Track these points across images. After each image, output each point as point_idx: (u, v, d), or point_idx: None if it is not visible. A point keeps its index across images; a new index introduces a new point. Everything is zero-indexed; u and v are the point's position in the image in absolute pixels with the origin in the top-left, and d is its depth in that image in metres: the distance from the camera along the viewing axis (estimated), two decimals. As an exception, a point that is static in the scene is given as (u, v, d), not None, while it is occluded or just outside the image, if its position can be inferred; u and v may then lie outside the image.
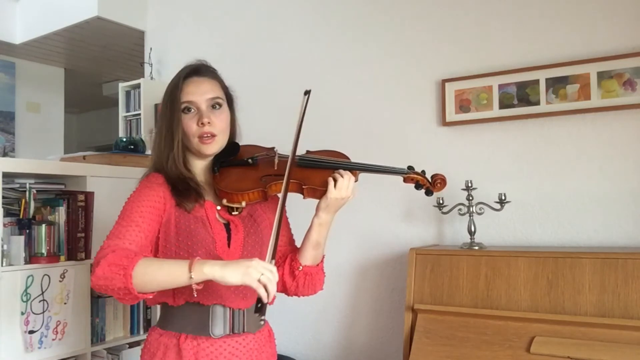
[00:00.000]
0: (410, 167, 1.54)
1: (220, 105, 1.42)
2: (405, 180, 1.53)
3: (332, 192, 1.38)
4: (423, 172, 1.55)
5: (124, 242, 1.26)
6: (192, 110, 1.39)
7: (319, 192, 1.40)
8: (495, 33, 2.32)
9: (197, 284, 1.18)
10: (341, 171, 1.40)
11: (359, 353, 2.59)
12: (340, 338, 2.65)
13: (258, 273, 1.14)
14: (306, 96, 1.41)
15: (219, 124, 1.40)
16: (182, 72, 1.43)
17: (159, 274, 1.19)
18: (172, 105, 1.38)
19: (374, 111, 2.61)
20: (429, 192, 1.54)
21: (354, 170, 1.44)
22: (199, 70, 1.44)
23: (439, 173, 1.55)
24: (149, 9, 3.69)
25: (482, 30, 2.35)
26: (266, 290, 1.14)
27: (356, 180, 1.42)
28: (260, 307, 1.17)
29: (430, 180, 1.54)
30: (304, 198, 1.43)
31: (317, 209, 1.43)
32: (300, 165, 1.44)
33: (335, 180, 1.38)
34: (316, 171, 1.43)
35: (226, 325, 1.37)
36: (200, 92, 1.40)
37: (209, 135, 1.38)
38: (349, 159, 1.51)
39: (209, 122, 1.37)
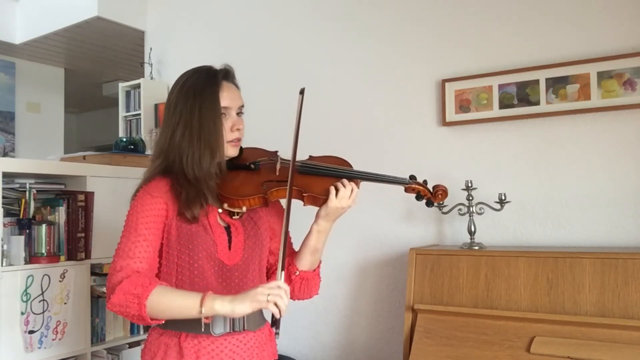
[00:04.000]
0: (412, 177, 1.53)
1: (242, 112, 1.46)
2: (406, 190, 1.53)
3: (333, 201, 1.38)
4: (425, 182, 1.55)
5: (135, 262, 1.28)
6: (225, 115, 1.40)
7: (320, 200, 1.40)
8: (495, 33, 2.32)
9: (206, 317, 1.23)
10: (344, 180, 1.40)
11: (359, 353, 2.59)
12: (340, 338, 2.65)
13: (265, 295, 1.18)
14: (301, 95, 1.41)
15: (243, 130, 1.44)
16: (214, 73, 1.41)
17: (171, 306, 1.23)
18: (210, 108, 1.36)
19: (374, 111, 2.61)
20: (429, 203, 1.55)
21: (356, 179, 1.43)
22: (230, 75, 1.45)
23: (440, 184, 1.55)
24: (149, 9, 3.69)
25: (482, 30, 2.35)
26: (277, 305, 1.18)
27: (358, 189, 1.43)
28: (274, 321, 1.22)
29: (431, 191, 1.54)
30: (304, 205, 1.43)
31: (317, 216, 1.44)
32: (302, 172, 1.43)
33: (337, 190, 1.38)
34: (318, 179, 1.42)
35: (226, 324, 1.37)
36: (235, 98, 1.42)
37: (237, 140, 1.42)
38: (351, 166, 1.50)
39: (240, 129, 1.42)
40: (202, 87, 1.38)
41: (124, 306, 1.22)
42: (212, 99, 1.37)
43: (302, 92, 1.41)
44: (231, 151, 1.42)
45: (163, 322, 1.28)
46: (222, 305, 1.19)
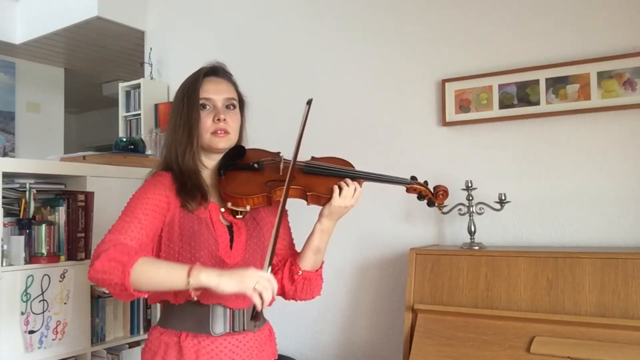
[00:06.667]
0: (413, 178, 1.56)
1: (234, 106, 1.47)
2: (408, 191, 1.56)
3: (337, 200, 1.39)
4: (426, 182, 1.58)
5: (125, 237, 1.27)
6: (208, 107, 1.43)
7: (323, 199, 1.41)
8: (495, 33, 2.32)
9: (195, 289, 1.19)
10: (347, 180, 1.42)
11: (359, 353, 2.59)
12: (340, 338, 2.65)
13: (253, 281, 1.17)
14: (308, 105, 1.42)
15: (232, 123, 1.44)
16: (201, 70, 1.46)
17: (156, 275, 1.20)
18: (190, 101, 1.41)
19: (374, 111, 2.61)
20: (431, 203, 1.58)
21: (358, 179, 1.45)
22: (217, 71, 1.48)
23: (441, 185, 1.58)
24: (149, 9, 3.69)
25: (482, 30, 2.35)
26: (262, 297, 1.17)
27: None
28: (255, 314, 1.20)
29: (432, 191, 1.57)
30: (307, 204, 1.44)
31: (320, 215, 1.45)
32: (306, 172, 1.45)
33: (340, 189, 1.40)
34: (321, 178, 1.44)
35: (226, 324, 1.38)
36: (218, 91, 1.44)
37: (222, 131, 1.41)
38: (353, 167, 1.51)
39: (224, 119, 1.41)
40: (189, 85, 1.45)
41: (107, 273, 1.18)
42: (192, 93, 1.42)
43: (309, 102, 1.42)
44: (216, 142, 1.42)
45: (145, 295, 1.24)
46: (209, 278, 1.17)
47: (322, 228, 1.45)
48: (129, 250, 1.21)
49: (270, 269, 1.23)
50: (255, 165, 1.46)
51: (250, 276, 1.17)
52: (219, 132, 1.41)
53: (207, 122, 1.41)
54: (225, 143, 1.43)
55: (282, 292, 1.52)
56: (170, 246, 1.36)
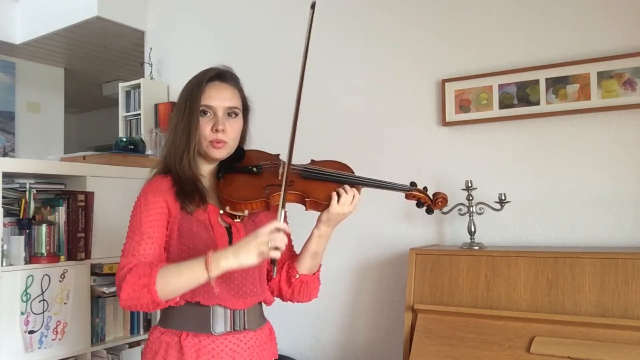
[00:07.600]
0: (412, 184, 1.55)
1: (236, 114, 1.44)
2: (407, 197, 1.56)
3: (335, 207, 1.39)
4: (425, 188, 1.57)
5: (139, 257, 1.28)
6: (209, 114, 1.40)
7: (322, 205, 1.40)
8: (495, 33, 2.32)
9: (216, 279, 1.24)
10: (346, 187, 1.41)
11: (359, 353, 2.59)
12: (340, 338, 2.65)
13: (266, 244, 1.19)
14: (312, 10, 1.38)
15: (231, 132, 1.41)
16: (206, 74, 1.43)
17: (180, 282, 1.23)
18: (191, 106, 1.39)
19: (374, 111, 2.61)
20: (429, 211, 1.57)
21: (358, 184, 1.44)
22: (223, 75, 1.45)
23: (440, 192, 1.57)
24: (149, 9, 3.69)
25: (482, 30, 2.35)
26: (278, 248, 1.20)
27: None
28: (273, 261, 1.26)
29: (431, 198, 1.56)
30: (305, 210, 1.43)
31: (318, 221, 1.44)
32: (305, 177, 1.44)
33: (339, 196, 1.39)
34: (320, 184, 1.43)
35: (227, 323, 1.38)
36: (220, 98, 1.41)
37: (220, 141, 1.39)
38: (352, 171, 1.50)
39: (223, 130, 1.39)
40: (192, 88, 1.42)
41: (135, 298, 1.22)
42: (194, 97, 1.39)
43: (313, 6, 1.38)
44: (212, 152, 1.40)
45: (177, 299, 1.28)
46: (228, 262, 1.21)
47: (319, 233, 1.45)
48: (145, 269, 1.23)
49: (283, 213, 1.26)
50: (254, 169, 1.45)
51: (262, 242, 1.20)
52: (216, 142, 1.39)
53: (205, 130, 1.39)
54: (222, 153, 1.42)
55: (280, 294, 1.53)
56: (170, 249, 1.37)
